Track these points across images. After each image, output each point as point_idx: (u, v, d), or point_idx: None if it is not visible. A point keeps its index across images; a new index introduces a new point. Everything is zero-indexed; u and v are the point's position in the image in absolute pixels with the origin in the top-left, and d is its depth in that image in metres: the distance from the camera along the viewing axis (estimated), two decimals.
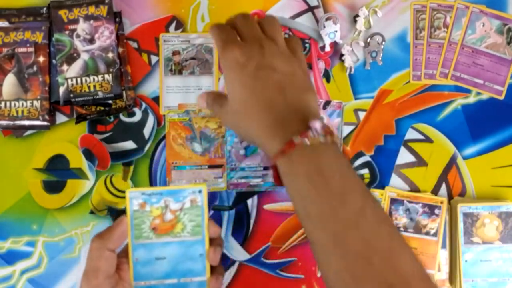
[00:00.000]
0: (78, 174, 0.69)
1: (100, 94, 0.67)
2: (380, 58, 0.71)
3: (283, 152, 0.40)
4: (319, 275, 0.69)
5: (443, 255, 0.69)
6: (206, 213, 0.47)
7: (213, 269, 0.48)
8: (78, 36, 0.67)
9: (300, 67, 0.46)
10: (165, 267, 0.46)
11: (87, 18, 0.68)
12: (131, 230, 0.46)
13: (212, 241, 0.48)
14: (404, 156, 0.70)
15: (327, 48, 0.70)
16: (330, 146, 0.40)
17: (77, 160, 0.69)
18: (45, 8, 0.69)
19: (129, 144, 0.69)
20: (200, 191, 0.46)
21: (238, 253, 0.69)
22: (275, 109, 0.42)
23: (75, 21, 0.68)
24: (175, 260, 0.46)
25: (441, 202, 0.69)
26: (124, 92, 0.68)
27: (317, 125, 0.39)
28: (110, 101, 0.68)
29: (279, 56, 0.45)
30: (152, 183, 0.69)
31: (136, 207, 0.46)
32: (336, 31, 0.69)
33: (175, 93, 0.67)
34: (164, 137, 0.69)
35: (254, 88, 0.43)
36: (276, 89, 0.43)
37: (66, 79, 0.66)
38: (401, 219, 0.69)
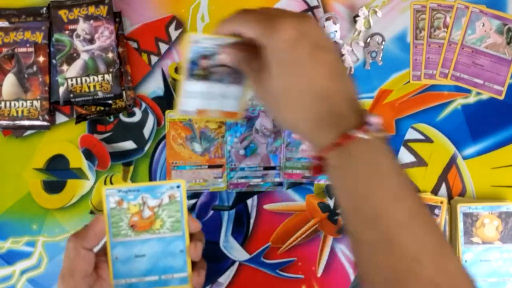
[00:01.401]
0: (78, 174, 0.69)
1: (100, 94, 0.67)
2: (380, 58, 0.71)
3: (337, 144, 0.36)
4: (319, 275, 0.69)
5: None
6: (185, 208, 0.46)
7: (194, 264, 0.47)
8: (78, 36, 0.67)
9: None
10: (145, 265, 0.46)
11: (87, 18, 0.68)
12: (108, 228, 0.45)
13: (192, 236, 0.47)
14: (404, 156, 0.70)
15: None
16: (385, 143, 0.38)
17: (77, 160, 0.69)
18: (45, 8, 0.69)
19: (129, 144, 0.69)
20: (178, 186, 0.46)
21: (238, 253, 0.69)
22: (330, 99, 0.37)
23: (75, 21, 0.68)
24: (155, 257, 0.46)
25: (441, 202, 0.69)
26: (124, 92, 0.68)
27: (376, 120, 0.37)
28: (110, 101, 0.68)
29: (327, 35, 0.41)
30: None
31: (113, 204, 0.45)
32: (336, 31, 0.69)
33: (195, 98, 0.66)
34: (164, 137, 0.69)
35: (307, 71, 0.37)
36: (332, 75, 0.38)
37: (66, 79, 0.66)
38: None
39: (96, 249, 0.46)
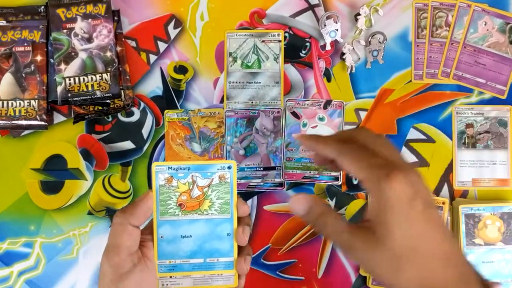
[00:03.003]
0: (76, 174, 0.68)
1: (98, 94, 0.66)
2: (381, 57, 0.70)
3: None
4: (319, 276, 0.69)
5: None
6: (235, 190, 0.44)
7: (240, 249, 0.45)
8: (76, 35, 0.67)
9: None
10: (191, 246, 0.44)
11: (85, 16, 0.67)
12: (156, 206, 0.43)
13: (240, 220, 0.45)
14: (405, 156, 0.70)
15: (328, 47, 0.70)
16: None
17: (75, 160, 0.68)
18: (42, 7, 0.68)
19: (128, 144, 0.69)
20: (229, 167, 0.43)
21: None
22: (453, 261, 0.36)
23: (73, 20, 0.67)
24: (202, 239, 0.44)
25: (443, 203, 0.68)
26: (122, 92, 0.67)
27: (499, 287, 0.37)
28: (108, 101, 0.68)
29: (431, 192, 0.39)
30: (150, 184, 0.68)
31: (162, 181, 0.43)
32: (337, 30, 0.68)
33: (469, 167, 0.68)
34: (162, 137, 0.69)
35: (426, 231, 0.35)
36: (446, 234, 0.36)
37: (64, 78, 0.66)
38: None
39: (142, 227, 0.45)
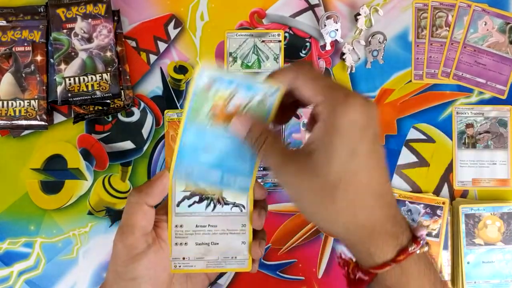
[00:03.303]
0: (76, 174, 0.68)
1: (98, 94, 0.66)
2: (381, 57, 0.70)
3: (396, 261, 0.33)
4: (319, 276, 0.69)
5: (445, 257, 0.68)
6: (270, 118, 0.40)
7: (255, 233, 0.44)
8: (76, 35, 0.67)
9: None
10: (212, 158, 0.41)
11: (85, 16, 0.67)
12: (188, 107, 0.40)
13: (256, 204, 0.43)
14: (405, 156, 0.70)
15: (328, 47, 0.70)
16: (428, 254, 0.36)
17: (75, 160, 0.68)
18: (43, 7, 0.68)
19: (128, 144, 0.69)
20: (275, 93, 0.38)
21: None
22: (386, 201, 0.34)
23: (73, 20, 0.67)
24: (224, 153, 0.41)
25: (443, 203, 0.68)
26: (122, 92, 0.67)
27: (424, 231, 0.35)
28: (108, 101, 0.68)
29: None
30: None
31: (201, 85, 0.39)
32: (337, 30, 0.68)
33: (469, 167, 0.68)
34: (163, 137, 0.69)
35: (368, 164, 0.33)
36: (386, 172, 0.34)
37: (64, 78, 0.66)
38: None
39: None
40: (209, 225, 0.44)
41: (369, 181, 0.33)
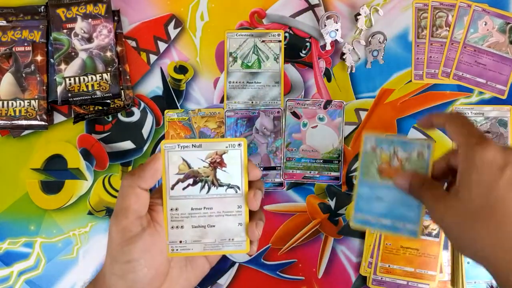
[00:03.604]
0: (76, 174, 0.68)
1: (98, 94, 0.66)
2: (381, 57, 0.70)
3: None
4: (319, 276, 0.69)
5: (445, 257, 0.68)
6: (430, 168, 0.47)
7: (252, 214, 0.45)
8: (76, 35, 0.67)
9: None
10: (383, 207, 0.49)
11: (85, 16, 0.67)
12: (360, 168, 0.49)
13: (251, 184, 0.45)
14: None
15: (328, 47, 0.70)
16: None
17: (75, 160, 0.68)
18: (43, 7, 0.68)
19: (128, 144, 0.69)
20: (428, 147, 0.48)
21: (238, 254, 0.68)
22: None
23: (73, 20, 0.67)
24: (393, 204, 0.48)
25: None
26: (122, 92, 0.67)
27: None
28: (108, 101, 0.68)
29: None
30: None
31: (369, 149, 0.50)
32: (337, 30, 0.68)
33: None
34: (163, 137, 0.69)
35: (507, 197, 0.39)
36: None
37: (64, 78, 0.66)
38: None
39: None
40: (204, 208, 0.44)
41: (510, 210, 0.39)
